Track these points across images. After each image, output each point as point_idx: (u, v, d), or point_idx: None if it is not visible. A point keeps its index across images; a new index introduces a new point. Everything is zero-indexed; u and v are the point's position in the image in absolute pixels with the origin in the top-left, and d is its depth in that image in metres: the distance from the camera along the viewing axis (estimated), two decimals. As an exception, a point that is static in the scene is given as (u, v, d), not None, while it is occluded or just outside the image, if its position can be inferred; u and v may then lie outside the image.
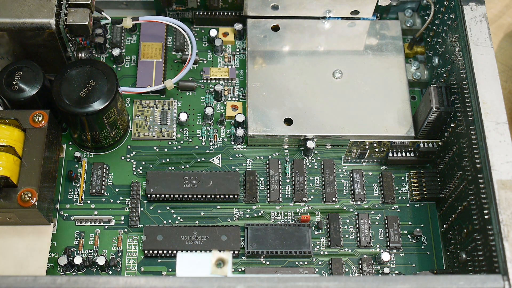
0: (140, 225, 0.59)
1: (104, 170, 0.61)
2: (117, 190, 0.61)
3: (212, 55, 0.68)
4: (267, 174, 0.62)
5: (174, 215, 0.60)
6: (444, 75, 0.60)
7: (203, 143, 0.64)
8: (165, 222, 0.60)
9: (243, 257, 0.58)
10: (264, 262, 0.58)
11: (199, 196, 0.60)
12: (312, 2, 0.65)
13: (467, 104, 0.54)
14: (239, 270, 0.58)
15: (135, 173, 0.62)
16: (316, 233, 0.60)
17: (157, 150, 0.63)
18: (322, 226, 0.60)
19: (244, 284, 0.43)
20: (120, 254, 0.58)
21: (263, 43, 0.66)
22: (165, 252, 0.57)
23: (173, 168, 0.62)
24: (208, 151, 0.63)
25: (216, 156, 0.63)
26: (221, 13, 0.68)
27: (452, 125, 0.58)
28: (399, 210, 0.61)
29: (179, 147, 0.63)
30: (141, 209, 0.60)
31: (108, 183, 0.61)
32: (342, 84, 0.64)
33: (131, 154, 0.63)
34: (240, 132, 0.62)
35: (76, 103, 0.56)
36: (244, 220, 0.60)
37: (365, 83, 0.64)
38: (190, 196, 0.60)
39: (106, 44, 0.67)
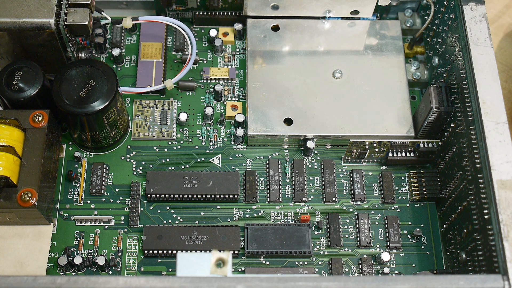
0: (140, 225, 0.59)
1: (104, 170, 0.61)
2: (117, 190, 0.61)
3: (212, 55, 0.68)
4: (267, 174, 0.62)
5: (174, 215, 0.60)
6: (444, 75, 0.60)
7: (203, 143, 0.64)
8: (165, 222, 0.60)
9: (243, 257, 0.58)
10: (264, 262, 0.58)
11: (199, 196, 0.60)
12: (312, 2, 0.65)
13: (467, 104, 0.54)
14: (239, 270, 0.58)
15: (135, 173, 0.62)
16: (316, 233, 0.60)
17: (157, 150, 0.63)
18: (322, 226, 0.60)
19: (244, 284, 0.43)
20: (120, 254, 0.58)
21: (263, 43, 0.66)
22: (165, 252, 0.57)
23: (173, 168, 0.62)
24: (208, 151, 0.63)
25: (216, 156, 0.63)
26: (221, 13, 0.68)
27: (452, 125, 0.58)
28: (399, 210, 0.61)
29: (179, 147, 0.63)
30: (141, 209, 0.60)
31: (108, 183, 0.61)
32: (342, 84, 0.64)
33: (131, 154, 0.63)
34: (240, 132, 0.62)
35: (76, 103, 0.56)
36: (244, 220, 0.60)
37: (365, 83, 0.64)
38: (190, 196, 0.60)
39: (106, 44, 0.67)
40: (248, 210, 0.61)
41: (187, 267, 0.44)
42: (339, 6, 0.66)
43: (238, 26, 0.68)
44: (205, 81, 0.66)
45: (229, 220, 0.60)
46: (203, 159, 0.63)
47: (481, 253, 0.50)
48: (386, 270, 0.58)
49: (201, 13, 0.68)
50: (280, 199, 0.61)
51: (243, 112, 0.64)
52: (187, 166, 0.62)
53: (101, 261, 0.56)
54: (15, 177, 0.53)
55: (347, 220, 0.61)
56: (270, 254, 0.58)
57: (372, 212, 0.61)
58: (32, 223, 0.56)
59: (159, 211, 0.60)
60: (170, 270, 0.58)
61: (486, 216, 0.49)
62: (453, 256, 0.57)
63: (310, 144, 0.62)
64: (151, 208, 0.60)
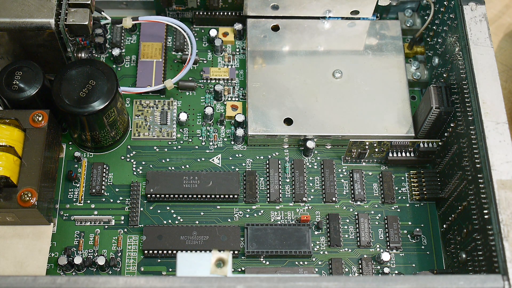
0: (140, 225, 0.59)
1: (104, 170, 0.61)
2: (117, 190, 0.61)
3: (212, 55, 0.68)
4: (267, 174, 0.62)
5: (174, 215, 0.60)
6: (444, 75, 0.60)
7: (203, 143, 0.64)
8: (165, 222, 0.60)
9: (243, 257, 0.58)
10: (264, 262, 0.58)
11: (199, 196, 0.60)
12: (312, 2, 0.65)
13: (467, 104, 0.54)
14: (239, 270, 0.58)
15: (135, 173, 0.62)
16: (316, 233, 0.60)
17: (157, 150, 0.63)
18: (322, 226, 0.60)
19: (244, 284, 0.43)
20: (120, 254, 0.58)
21: (263, 43, 0.66)
22: (165, 252, 0.57)
23: (173, 168, 0.62)
24: (208, 151, 0.63)
25: (216, 156, 0.63)
26: (221, 13, 0.68)
27: (452, 125, 0.58)
28: (399, 210, 0.61)
29: (179, 147, 0.63)
30: (141, 209, 0.60)
31: (108, 183, 0.61)
32: (342, 84, 0.64)
33: (131, 154, 0.63)
34: (240, 132, 0.62)
35: (76, 103, 0.56)
36: (244, 220, 0.60)
37: (365, 83, 0.64)
38: (190, 196, 0.60)
39: (106, 44, 0.67)
40: (248, 210, 0.61)
41: (187, 267, 0.44)
42: (339, 6, 0.66)
43: (238, 26, 0.68)
44: (205, 81, 0.66)
45: (229, 220, 0.60)
46: (203, 159, 0.63)
47: (481, 253, 0.50)
48: (386, 270, 0.58)
49: (201, 13, 0.68)
50: (280, 199, 0.61)
51: (243, 112, 0.64)
52: (187, 166, 0.62)
53: (101, 261, 0.56)
54: (15, 177, 0.53)
55: (347, 220, 0.61)
56: (270, 254, 0.58)
57: (372, 212, 0.61)
58: (32, 223, 0.56)
59: (159, 211, 0.60)
60: (170, 270, 0.58)
61: (486, 216, 0.49)
62: (453, 256, 0.57)
63: (310, 144, 0.62)
64: (151, 208, 0.60)
